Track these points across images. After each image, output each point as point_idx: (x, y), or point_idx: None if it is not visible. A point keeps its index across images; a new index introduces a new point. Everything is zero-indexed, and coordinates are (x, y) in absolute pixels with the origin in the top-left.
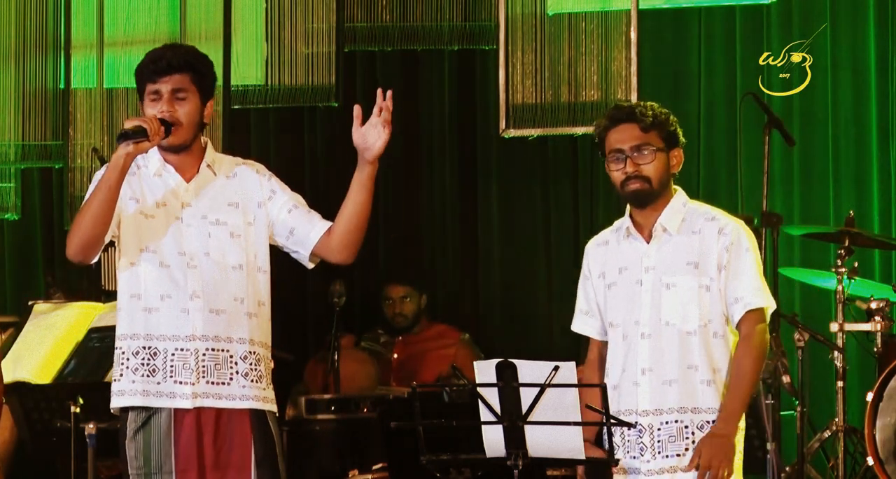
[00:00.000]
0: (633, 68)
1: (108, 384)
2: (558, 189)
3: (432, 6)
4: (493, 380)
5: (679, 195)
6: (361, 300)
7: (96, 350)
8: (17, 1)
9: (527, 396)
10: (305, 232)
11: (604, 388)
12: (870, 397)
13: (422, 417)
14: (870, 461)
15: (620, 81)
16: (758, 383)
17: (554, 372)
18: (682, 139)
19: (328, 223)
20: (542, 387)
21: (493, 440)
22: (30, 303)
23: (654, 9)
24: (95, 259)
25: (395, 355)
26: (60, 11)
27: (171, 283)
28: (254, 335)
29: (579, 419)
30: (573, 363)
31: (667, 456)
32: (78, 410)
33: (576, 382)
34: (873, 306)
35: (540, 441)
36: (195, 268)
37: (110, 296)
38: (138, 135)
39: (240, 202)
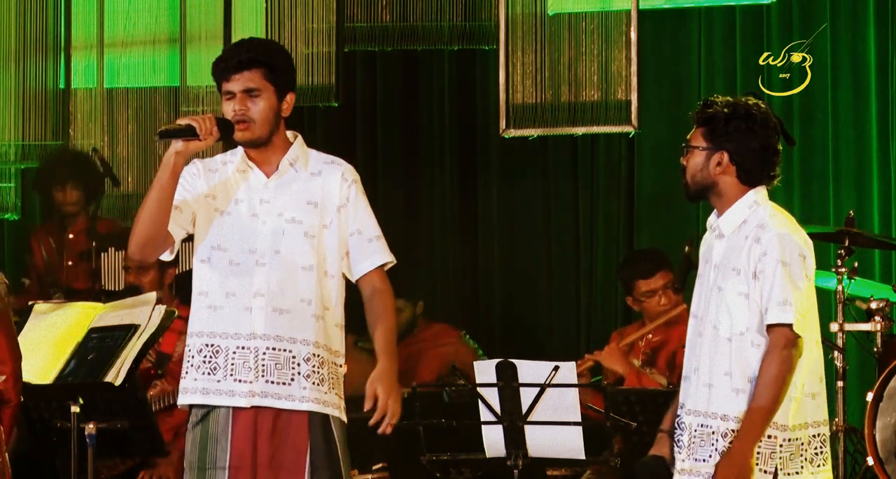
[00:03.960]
0: (633, 68)
1: (109, 384)
2: (558, 189)
3: (432, 6)
4: (493, 380)
5: (748, 196)
6: (361, 300)
7: (96, 350)
8: (17, 1)
9: (527, 396)
10: (356, 262)
11: (604, 388)
12: (870, 397)
13: (422, 417)
14: (870, 461)
15: (620, 81)
16: (780, 400)
17: (554, 372)
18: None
19: (377, 263)
20: (542, 387)
21: (493, 440)
22: (30, 303)
23: (654, 9)
24: (169, 257)
25: None
26: (60, 12)
27: (237, 281)
28: (319, 338)
29: (579, 419)
30: (573, 363)
31: (696, 459)
32: (78, 410)
33: (576, 382)
34: (873, 306)
35: (540, 441)
36: (263, 266)
37: (110, 296)
38: (184, 133)
39: (319, 202)
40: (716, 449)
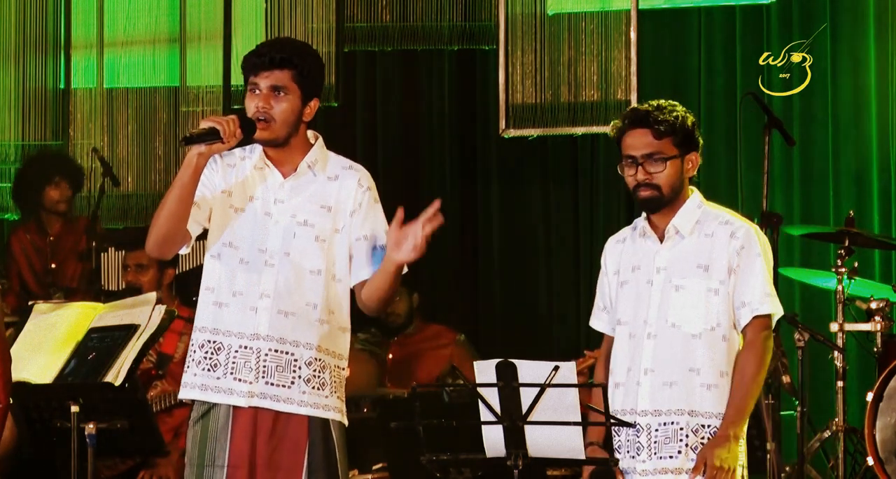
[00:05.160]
0: (633, 68)
1: (109, 384)
2: (558, 189)
3: (432, 6)
4: (493, 380)
5: (694, 197)
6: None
7: (96, 350)
8: (17, 1)
9: (527, 396)
10: (358, 265)
11: (604, 388)
12: (870, 397)
13: (422, 417)
14: (870, 461)
15: (620, 81)
16: (761, 390)
17: (554, 372)
18: (700, 141)
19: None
20: (542, 387)
21: (493, 440)
22: (30, 303)
23: (654, 9)
24: (186, 250)
25: (390, 356)
26: (60, 11)
27: (245, 279)
28: (322, 342)
29: (579, 419)
30: (573, 363)
31: (661, 458)
32: (78, 410)
33: (576, 382)
34: (873, 306)
35: (540, 441)
36: (272, 266)
37: (110, 296)
38: (207, 137)
39: (333, 206)
40: (686, 445)
